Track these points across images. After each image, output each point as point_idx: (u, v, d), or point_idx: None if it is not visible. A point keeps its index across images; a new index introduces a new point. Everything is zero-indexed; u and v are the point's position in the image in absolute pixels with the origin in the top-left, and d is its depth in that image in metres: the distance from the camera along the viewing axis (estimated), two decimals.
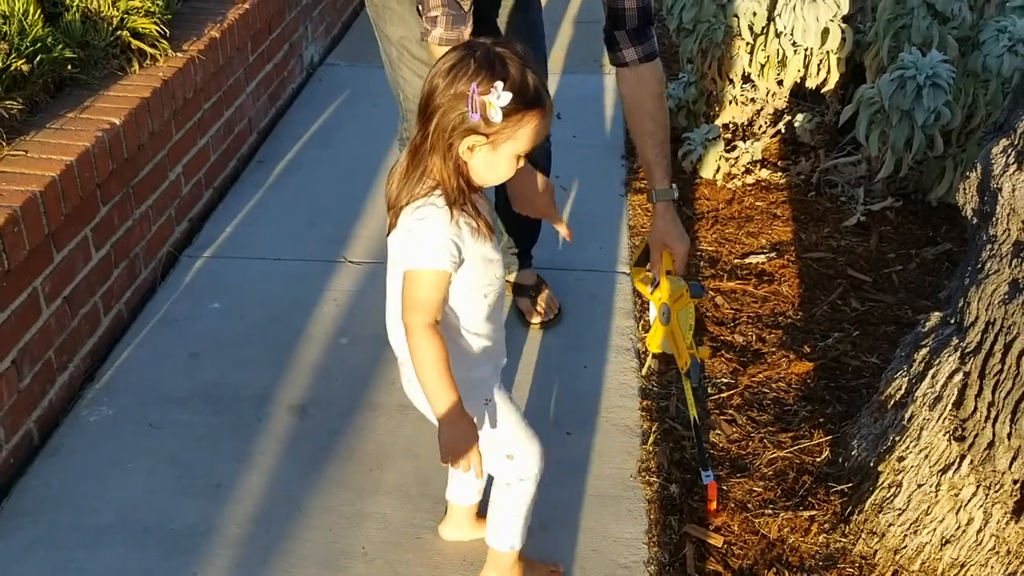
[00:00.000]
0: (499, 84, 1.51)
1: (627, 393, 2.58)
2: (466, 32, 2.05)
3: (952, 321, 1.92)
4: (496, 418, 1.80)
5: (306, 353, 2.71)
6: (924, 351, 1.96)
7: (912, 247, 3.21)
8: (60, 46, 2.72)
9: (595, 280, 3.04)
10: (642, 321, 2.85)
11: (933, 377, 1.91)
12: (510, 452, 1.82)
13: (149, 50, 3.02)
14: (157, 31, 3.03)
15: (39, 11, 2.72)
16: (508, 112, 1.53)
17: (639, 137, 2.25)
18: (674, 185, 2.21)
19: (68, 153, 2.49)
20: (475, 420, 1.67)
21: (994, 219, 1.75)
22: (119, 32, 2.95)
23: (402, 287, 1.62)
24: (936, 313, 2.00)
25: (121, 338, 2.76)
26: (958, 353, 1.86)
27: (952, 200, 3.30)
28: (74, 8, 2.87)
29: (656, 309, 2.23)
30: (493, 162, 1.59)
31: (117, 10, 2.96)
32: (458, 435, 1.64)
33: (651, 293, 2.26)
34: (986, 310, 1.76)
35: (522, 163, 1.64)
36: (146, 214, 2.94)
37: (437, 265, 1.58)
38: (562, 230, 2.02)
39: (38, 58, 2.63)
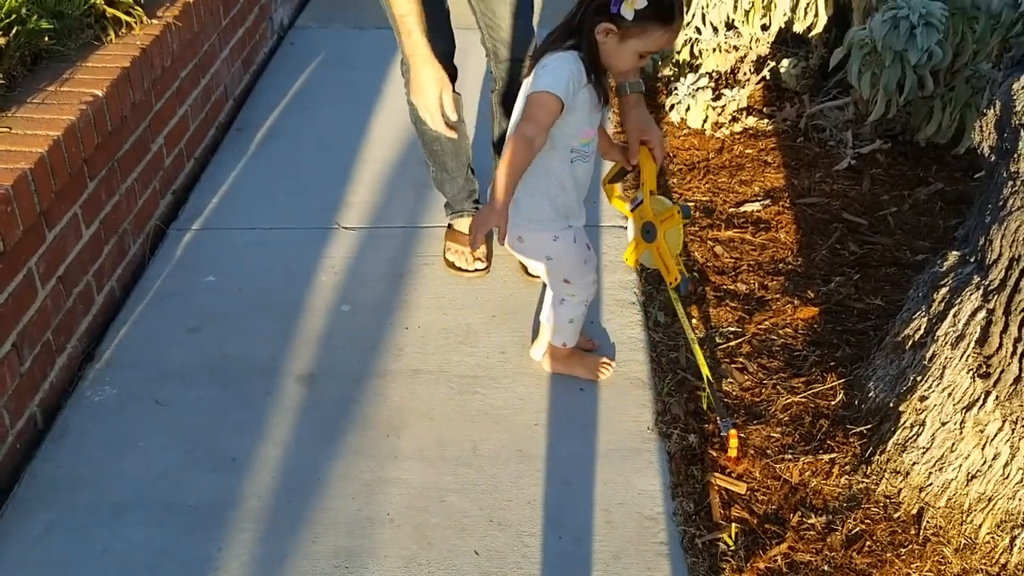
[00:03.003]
0: None
1: (636, 347, 2.58)
2: None
3: (972, 259, 1.92)
4: (559, 251, 2.22)
5: (309, 322, 2.66)
6: (944, 290, 1.96)
7: (904, 188, 3.22)
8: (35, 17, 2.62)
9: (590, 235, 3.00)
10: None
11: (955, 316, 1.91)
12: (567, 278, 2.28)
13: (124, 17, 2.93)
14: None
15: None
16: (641, 16, 1.85)
17: None
18: (640, 80, 2.27)
19: (54, 128, 2.41)
20: (541, 246, 2.20)
21: (1016, 155, 1.74)
22: (93, 0, 2.86)
23: (523, 109, 1.98)
24: (953, 252, 1.99)
25: (116, 316, 2.70)
26: (980, 291, 1.86)
27: (940, 140, 3.32)
28: None
29: (636, 226, 2.32)
30: (618, 51, 1.93)
31: None
32: (484, 217, 1.98)
33: (631, 211, 2.32)
34: (1010, 247, 1.76)
35: (644, 63, 2.00)
36: (132, 188, 2.86)
37: (554, 89, 1.91)
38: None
39: (14, 30, 2.53)
